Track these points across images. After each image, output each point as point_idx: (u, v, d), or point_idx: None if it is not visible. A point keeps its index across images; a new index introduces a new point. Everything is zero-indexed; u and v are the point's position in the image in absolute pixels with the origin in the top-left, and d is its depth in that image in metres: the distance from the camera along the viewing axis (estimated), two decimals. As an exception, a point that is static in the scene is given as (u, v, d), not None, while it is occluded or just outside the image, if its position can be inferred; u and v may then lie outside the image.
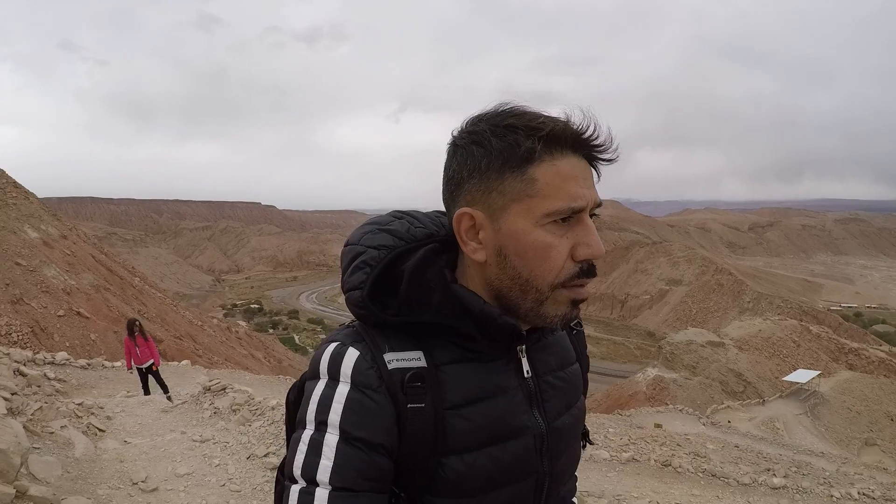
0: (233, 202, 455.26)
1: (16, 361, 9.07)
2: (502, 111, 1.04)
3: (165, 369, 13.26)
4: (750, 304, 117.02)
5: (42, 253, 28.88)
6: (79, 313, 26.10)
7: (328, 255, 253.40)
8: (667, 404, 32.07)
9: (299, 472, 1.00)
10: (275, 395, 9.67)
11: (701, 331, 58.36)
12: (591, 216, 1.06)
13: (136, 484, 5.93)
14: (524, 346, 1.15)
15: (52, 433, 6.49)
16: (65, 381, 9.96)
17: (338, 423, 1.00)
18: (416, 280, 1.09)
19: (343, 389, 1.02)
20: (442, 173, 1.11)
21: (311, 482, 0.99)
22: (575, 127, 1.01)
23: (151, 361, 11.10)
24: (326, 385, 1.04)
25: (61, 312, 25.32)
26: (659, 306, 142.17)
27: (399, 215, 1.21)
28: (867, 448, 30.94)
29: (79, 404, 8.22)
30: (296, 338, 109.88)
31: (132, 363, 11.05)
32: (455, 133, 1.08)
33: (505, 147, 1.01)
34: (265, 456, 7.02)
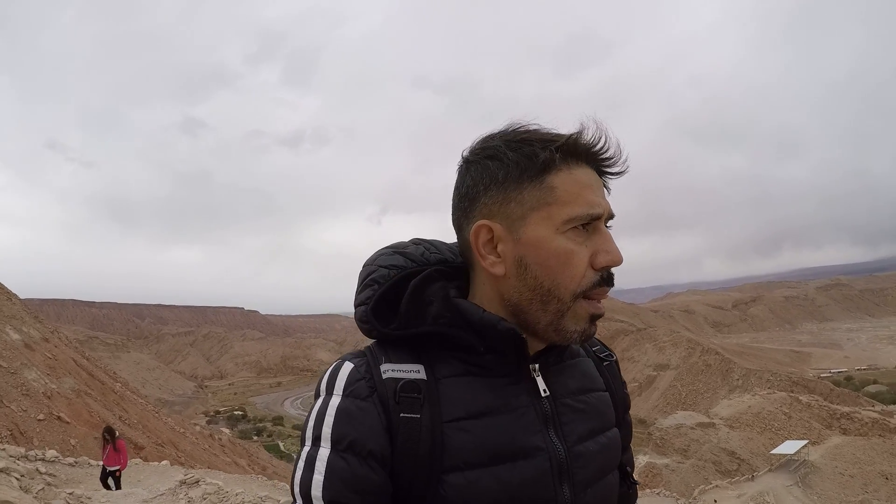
0: (216, 307, 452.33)
1: (11, 456, 9.71)
2: (514, 129, 1.08)
3: (146, 468, 15.37)
4: (739, 381, 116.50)
5: (23, 355, 28.73)
6: (59, 417, 25.75)
7: (312, 360, 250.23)
8: (660, 490, 31.64)
9: (298, 490, 0.99)
10: (245, 489, 11.21)
11: (691, 413, 57.96)
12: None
13: None
14: (537, 366, 1.14)
15: None
16: (55, 475, 10.70)
17: (329, 436, 1.00)
18: (417, 293, 1.11)
19: (335, 402, 1.03)
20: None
21: (307, 499, 0.98)
22: (588, 138, 1.05)
23: (117, 468, 12.25)
24: (322, 401, 1.05)
25: (41, 416, 24.97)
26: (648, 393, 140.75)
27: (418, 241, 1.24)
28: (863, 511, 30.54)
29: (70, 493, 9.06)
30: (280, 445, 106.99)
31: (109, 465, 12.22)
32: (466, 152, 1.13)
33: (521, 158, 1.04)
34: None
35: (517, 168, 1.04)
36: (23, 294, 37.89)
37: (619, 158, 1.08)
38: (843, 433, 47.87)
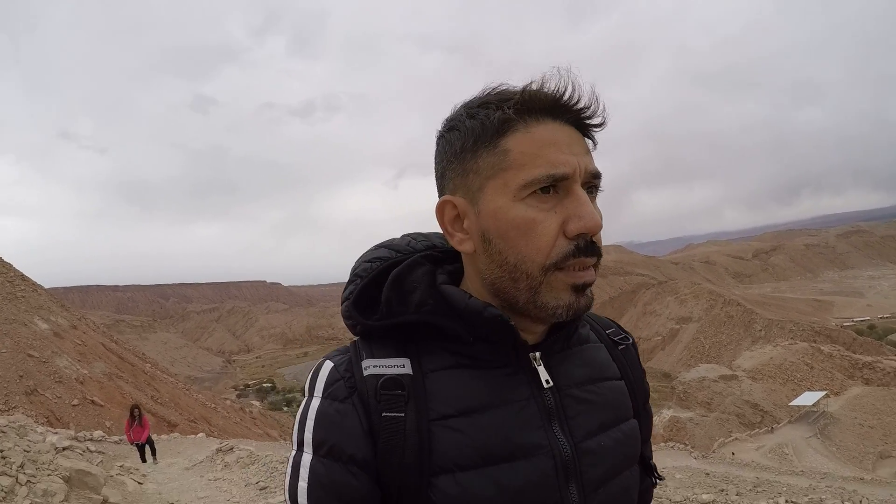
0: (238, 282, 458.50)
1: (66, 438, 11.22)
2: (483, 92, 0.98)
3: (184, 441, 17.06)
4: (762, 332, 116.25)
5: (53, 344, 29.45)
6: (93, 401, 26.60)
7: (337, 329, 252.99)
8: (674, 444, 31.92)
9: (287, 496, 0.95)
10: (273, 453, 12.69)
11: (713, 366, 58.20)
12: (590, 190, 0.96)
13: (172, 503, 8.93)
14: (538, 354, 1.02)
15: (112, 476, 8.82)
16: (103, 452, 11.41)
17: (311, 441, 0.94)
18: (399, 281, 1.03)
19: (315, 404, 0.96)
20: None
21: None
22: (550, 91, 0.92)
23: (143, 441, 13.47)
24: (305, 402, 0.99)
25: (75, 401, 25.81)
26: (671, 346, 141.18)
27: (407, 235, 1.17)
28: (882, 461, 30.68)
29: (120, 466, 10.40)
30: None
31: (132, 441, 13.53)
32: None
33: (476, 124, 0.94)
34: (257, 483, 10.13)
35: (472, 135, 0.94)
36: (47, 284, 38.72)
37: (594, 107, 0.94)
38: (866, 383, 47.75)
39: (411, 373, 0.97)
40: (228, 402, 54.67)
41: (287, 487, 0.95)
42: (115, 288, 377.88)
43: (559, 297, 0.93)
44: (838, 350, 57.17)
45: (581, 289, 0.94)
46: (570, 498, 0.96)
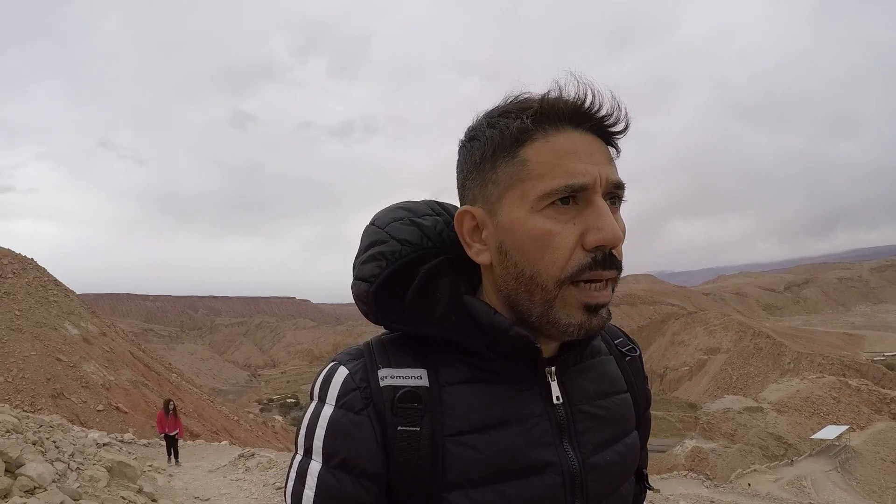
0: (267, 297, 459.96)
1: (105, 436, 13.01)
2: (504, 101, 0.96)
3: (208, 448, 17.83)
4: (791, 364, 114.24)
5: (82, 349, 30.19)
6: (118, 408, 27.22)
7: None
8: (706, 474, 31.74)
9: (290, 501, 0.93)
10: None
11: (738, 398, 57.61)
12: (612, 200, 0.93)
13: (198, 497, 10.01)
14: (553, 369, 1.01)
15: (145, 472, 9.64)
16: (132, 453, 12.31)
17: (321, 450, 0.91)
18: (426, 285, 1.01)
19: (327, 412, 0.93)
20: None
21: None
22: (570, 99, 0.90)
23: (177, 431, 14.27)
24: (314, 408, 0.96)
25: (100, 407, 26.43)
26: (699, 377, 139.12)
27: (437, 210, 1.10)
28: (902, 498, 30.18)
29: (150, 465, 11.32)
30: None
31: (163, 430, 14.24)
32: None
33: (496, 134, 0.92)
34: (274, 484, 11.15)
35: (491, 145, 0.93)
36: (79, 290, 39.73)
37: (616, 114, 0.92)
38: (893, 418, 46.85)
39: (428, 385, 0.95)
40: (251, 415, 55.31)
41: (290, 492, 0.93)
42: (146, 297, 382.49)
43: (571, 315, 0.91)
44: (866, 384, 56.24)
45: (594, 309, 0.91)
46: None
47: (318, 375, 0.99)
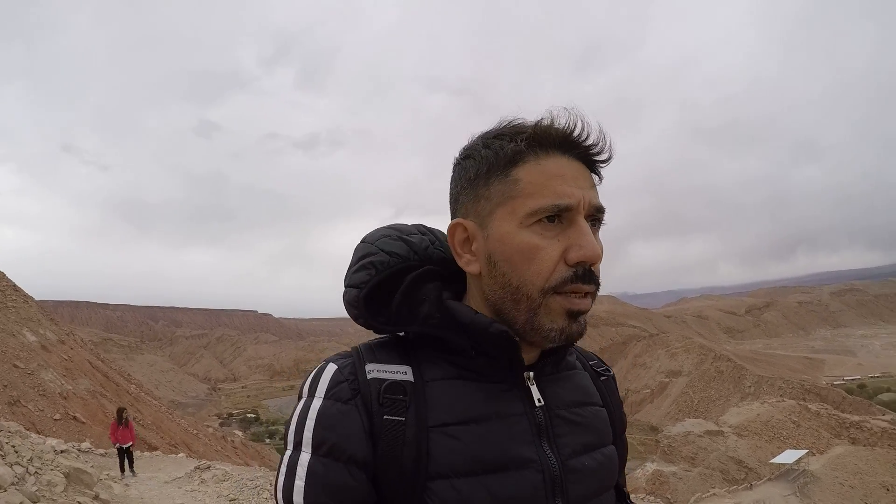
0: (229, 310, 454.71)
1: (62, 444, 12.94)
2: (499, 125, 1.05)
3: (164, 459, 17.52)
4: (751, 388, 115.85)
5: (40, 357, 29.47)
6: (75, 418, 26.48)
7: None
8: (667, 497, 31.86)
9: (280, 496, 0.96)
10: (246, 474, 14.26)
11: (699, 421, 58.03)
12: (593, 222, 1.03)
13: None
14: (532, 374, 1.08)
15: (101, 480, 9.58)
16: (89, 462, 12.08)
17: (310, 440, 0.96)
18: (412, 289, 1.08)
19: (316, 404, 0.98)
20: None
21: None
22: (561, 127, 0.99)
23: (130, 443, 13.92)
24: (304, 403, 1.00)
25: (57, 416, 25.72)
26: (660, 399, 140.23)
27: (424, 231, 1.19)
28: (861, 522, 30.63)
29: (106, 474, 11.17)
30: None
31: (116, 440, 13.86)
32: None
33: (491, 154, 1.01)
34: (227, 496, 11.48)
35: (486, 164, 1.02)
36: (38, 296, 38.66)
37: (602, 144, 1.02)
38: (852, 442, 47.80)
39: (413, 380, 1.01)
40: (211, 429, 54.23)
41: (281, 488, 0.96)
42: (106, 306, 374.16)
43: (554, 321, 0.99)
44: (826, 408, 57.18)
45: (575, 315, 1.00)
46: None
47: (308, 375, 1.04)
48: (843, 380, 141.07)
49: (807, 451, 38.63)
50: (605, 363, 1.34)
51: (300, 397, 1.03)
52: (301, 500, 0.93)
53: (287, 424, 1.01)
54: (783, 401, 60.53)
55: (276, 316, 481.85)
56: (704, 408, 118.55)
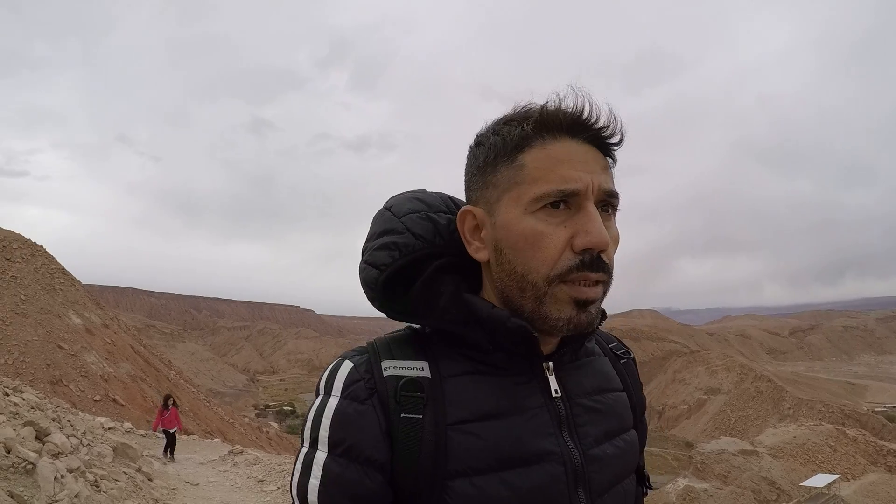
0: (272, 304, 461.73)
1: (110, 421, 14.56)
2: (511, 110, 1.02)
3: (201, 443, 18.70)
4: (790, 410, 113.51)
5: (84, 339, 30.39)
6: (114, 400, 27.29)
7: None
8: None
9: (295, 493, 0.95)
10: (277, 458, 15.55)
11: (734, 440, 57.16)
12: (606, 208, 0.99)
13: (188, 482, 11.29)
14: (550, 364, 1.05)
15: (143, 456, 10.82)
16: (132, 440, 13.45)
17: (326, 439, 0.94)
18: (432, 280, 1.05)
19: (332, 403, 0.96)
20: None
21: (304, 503, 0.93)
22: (569, 110, 0.96)
23: (176, 428, 14.66)
24: (320, 401, 0.98)
25: (98, 398, 26.56)
26: (697, 416, 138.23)
27: (451, 208, 1.14)
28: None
29: (146, 452, 12.18)
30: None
31: (159, 426, 14.63)
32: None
33: (499, 140, 0.98)
34: (256, 476, 12.63)
35: (493, 150, 0.99)
36: (84, 280, 39.78)
37: (612, 126, 0.98)
38: (888, 470, 46.60)
39: (430, 376, 0.99)
40: (247, 419, 55.15)
41: (296, 484, 0.95)
42: (150, 293, 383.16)
43: (561, 310, 0.95)
44: (864, 435, 55.75)
45: (583, 304, 0.95)
46: (578, 502, 0.99)
47: (324, 371, 1.03)
48: (885, 407, 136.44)
49: (838, 476, 37.86)
50: (624, 345, 1.31)
51: (317, 394, 1.02)
52: (315, 499, 0.92)
53: (303, 422, 1.01)
54: (821, 424, 59.15)
55: (318, 312, 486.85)
56: (741, 427, 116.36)
